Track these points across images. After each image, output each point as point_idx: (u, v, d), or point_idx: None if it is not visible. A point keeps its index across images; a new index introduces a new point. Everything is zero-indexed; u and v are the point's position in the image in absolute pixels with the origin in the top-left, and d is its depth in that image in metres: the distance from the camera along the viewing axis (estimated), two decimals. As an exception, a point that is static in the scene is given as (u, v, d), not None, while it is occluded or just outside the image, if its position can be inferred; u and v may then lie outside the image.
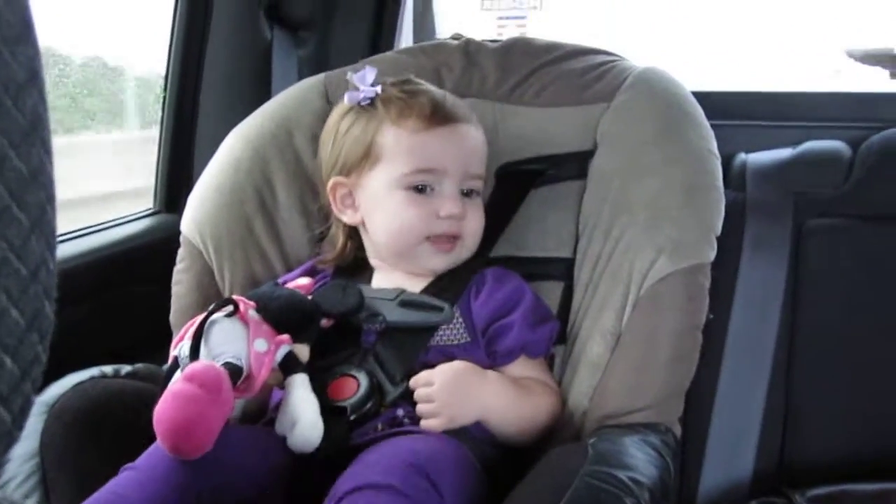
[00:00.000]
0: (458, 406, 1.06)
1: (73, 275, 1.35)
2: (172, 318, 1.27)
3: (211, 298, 1.28)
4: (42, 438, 1.00)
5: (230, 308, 1.04)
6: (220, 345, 0.99)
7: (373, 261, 1.23)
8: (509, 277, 1.19)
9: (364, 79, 1.19)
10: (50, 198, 0.39)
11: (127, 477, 0.92)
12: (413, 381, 1.08)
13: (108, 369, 1.13)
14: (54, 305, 0.40)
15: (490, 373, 1.10)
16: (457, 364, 1.08)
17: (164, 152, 1.59)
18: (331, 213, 1.24)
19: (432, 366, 1.10)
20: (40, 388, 1.07)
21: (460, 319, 1.15)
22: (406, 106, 1.16)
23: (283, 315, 1.06)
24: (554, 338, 1.18)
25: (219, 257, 1.29)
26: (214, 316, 1.03)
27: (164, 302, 1.29)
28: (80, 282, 1.36)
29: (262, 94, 1.53)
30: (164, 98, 1.58)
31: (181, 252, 1.31)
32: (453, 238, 1.16)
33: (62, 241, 1.41)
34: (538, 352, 1.16)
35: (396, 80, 1.21)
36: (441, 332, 1.14)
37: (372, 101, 1.18)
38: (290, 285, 1.16)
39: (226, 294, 1.28)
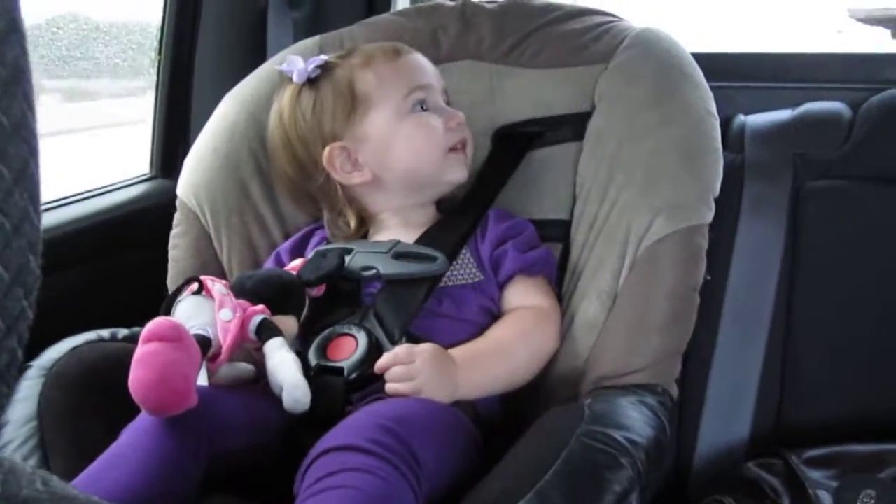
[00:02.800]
0: (438, 385, 1.03)
1: (69, 239, 1.35)
2: (170, 282, 1.27)
3: (208, 262, 1.28)
4: (39, 401, 1.00)
5: (196, 287, 1.04)
6: (187, 320, 0.99)
7: (381, 214, 1.22)
8: (510, 216, 1.23)
9: (294, 63, 1.21)
10: (33, 151, 0.39)
11: (126, 438, 0.92)
12: (392, 357, 1.03)
13: (105, 333, 1.13)
14: (40, 260, 0.40)
15: (458, 354, 1.08)
16: (433, 346, 1.05)
17: (159, 117, 1.58)
18: (326, 194, 1.22)
19: (443, 317, 1.11)
20: (37, 353, 1.07)
21: (471, 259, 1.17)
22: (365, 52, 1.22)
23: (259, 290, 1.06)
24: (552, 260, 1.19)
25: (216, 221, 1.28)
26: (181, 296, 1.04)
27: (161, 266, 1.29)
28: (77, 246, 1.36)
29: (258, 56, 1.51)
30: (159, 62, 1.56)
31: (177, 216, 1.30)
32: (464, 144, 1.21)
33: (59, 206, 1.40)
34: (535, 270, 1.17)
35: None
36: (453, 273, 1.15)
37: (325, 67, 1.19)
38: (287, 268, 1.15)
39: (223, 259, 1.28)
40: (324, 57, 1.21)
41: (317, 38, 1.38)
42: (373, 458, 0.84)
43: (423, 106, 1.18)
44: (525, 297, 1.16)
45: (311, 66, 1.19)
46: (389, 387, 1.02)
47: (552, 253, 1.21)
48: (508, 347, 1.12)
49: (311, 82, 1.20)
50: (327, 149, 1.18)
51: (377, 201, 1.22)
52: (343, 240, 1.22)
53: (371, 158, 1.18)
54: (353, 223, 1.22)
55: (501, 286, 1.16)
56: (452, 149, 1.19)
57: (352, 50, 1.24)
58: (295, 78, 1.20)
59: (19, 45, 0.38)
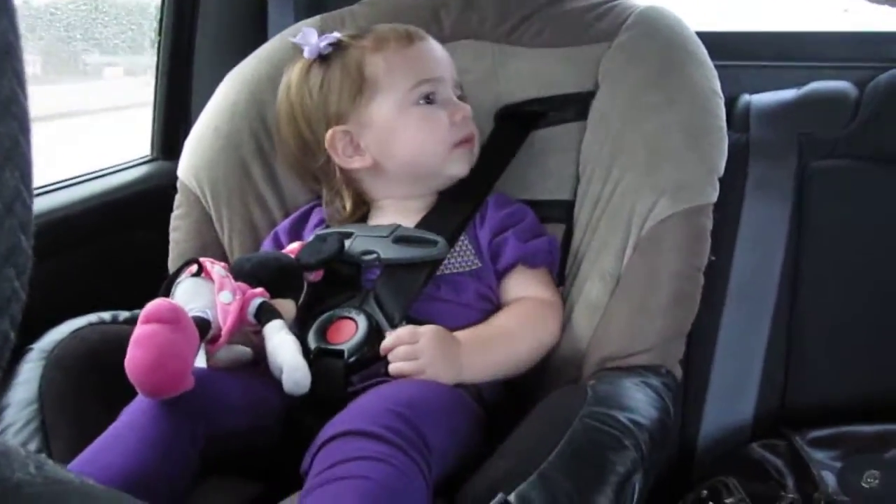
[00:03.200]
0: (442, 365, 1.03)
1: (71, 222, 1.34)
2: (171, 264, 1.27)
3: (209, 244, 1.28)
4: (41, 384, 1.00)
5: (195, 268, 1.04)
6: (186, 302, 0.98)
7: (380, 201, 1.22)
8: (510, 202, 1.21)
9: (308, 37, 1.19)
10: (24, 129, 0.38)
11: (123, 420, 0.92)
12: (395, 338, 1.04)
13: (106, 315, 1.13)
14: (32, 241, 0.39)
15: (462, 337, 1.08)
16: (436, 327, 1.05)
17: (160, 98, 1.57)
18: (326, 174, 1.22)
19: (442, 301, 1.10)
20: (37, 335, 1.07)
21: (469, 246, 1.16)
22: (378, 34, 1.19)
23: (258, 272, 1.06)
24: (554, 250, 1.18)
25: (216, 203, 1.28)
26: (181, 277, 1.03)
27: (162, 248, 1.29)
28: (78, 229, 1.35)
29: (259, 36, 1.50)
30: (159, 42, 1.55)
31: (178, 198, 1.30)
32: (470, 140, 1.19)
33: (60, 188, 1.40)
34: (536, 261, 1.16)
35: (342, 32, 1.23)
36: (451, 261, 1.14)
37: (335, 47, 1.18)
38: (286, 251, 1.15)
39: (224, 240, 1.28)
40: (337, 35, 1.19)
41: (318, 17, 1.37)
42: (385, 445, 0.84)
43: (429, 98, 1.16)
44: (527, 289, 1.15)
45: (323, 43, 1.18)
46: (393, 367, 1.02)
47: (555, 241, 1.20)
48: (512, 334, 1.11)
49: (322, 59, 1.18)
50: (330, 131, 1.17)
51: (377, 187, 1.21)
52: (338, 222, 1.21)
53: (373, 144, 1.17)
54: (348, 206, 1.21)
55: (501, 275, 1.16)
56: (457, 144, 1.18)
57: (367, 30, 1.22)
58: (306, 53, 1.19)
59: (8, 20, 0.37)
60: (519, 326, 1.12)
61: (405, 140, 1.16)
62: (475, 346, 1.08)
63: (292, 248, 1.15)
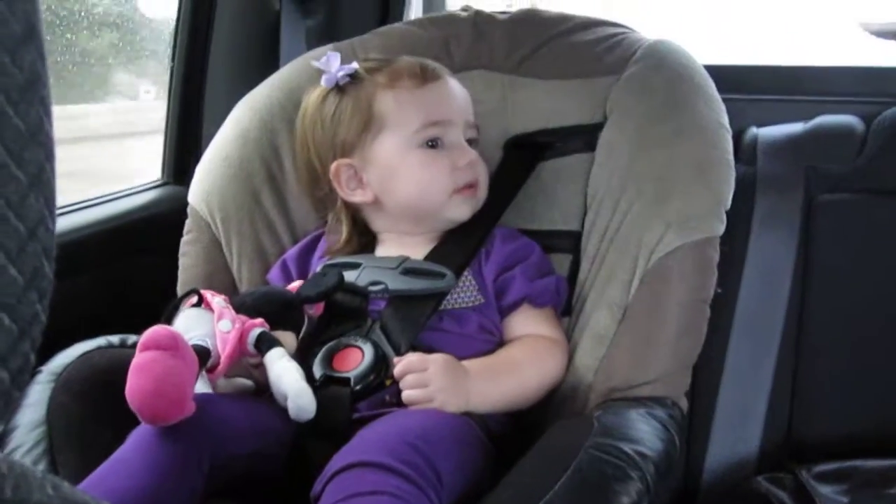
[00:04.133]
0: (451, 393, 1.03)
1: (80, 245, 1.35)
2: (180, 289, 1.27)
3: (218, 270, 1.28)
4: (49, 407, 1.01)
5: (195, 299, 1.05)
6: (186, 331, 0.99)
7: (382, 234, 1.22)
8: (517, 237, 1.21)
9: (330, 63, 1.19)
10: (49, 156, 0.39)
11: (129, 444, 0.92)
12: (405, 365, 1.04)
13: (114, 339, 1.13)
14: (53, 265, 0.40)
15: (471, 366, 1.08)
16: (445, 355, 1.06)
17: (171, 123, 1.59)
18: (332, 203, 1.23)
19: (446, 332, 1.10)
20: (46, 358, 1.07)
21: (473, 282, 1.16)
22: (394, 69, 1.18)
23: (259, 305, 1.07)
24: (562, 290, 1.18)
25: (226, 229, 1.28)
26: (181, 308, 1.04)
27: (171, 273, 1.29)
28: (87, 252, 1.36)
29: (271, 64, 1.52)
30: (172, 68, 1.57)
31: (188, 223, 1.31)
32: (473, 186, 1.18)
33: (70, 212, 1.41)
34: (542, 301, 1.16)
35: (366, 57, 1.25)
36: (454, 296, 1.14)
37: (352, 77, 1.18)
38: (289, 287, 1.16)
39: (233, 266, 1.28)
40: (355, 65, 1.19)
41: (329, 46, 1.39)
42: (399, 480, 0.85)
43: (435, 142, 1.16)
44: (532, 327, 1.16)
45: (340, 73, 1.19)
46: (405, 395, 1.03)
47: (562, 281, 1.19)
48: (520, 366, 1.12)
49: (339, 89, 1.19)
50: (335, 164, 1.18)
51: (378, 221, 1.22)
52: (335, 252, 1.22)
53: (375, 181, 1.18)
54: (343, 237, 1.22)
55: (506, 311, 1.16)
56: (458, 190, 1.17)
57: (386, 62, 1.21)
58: (324, 82, 1.20)
59: (37, 49, 0.38)
60: (526, 359, 1.12)
61: (405, 182, 1.16)
62: (483, 376, 1.08)
63: (294, 285, 1.16)
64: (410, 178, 1.16)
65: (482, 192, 1.20)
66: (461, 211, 1.18)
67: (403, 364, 1.04)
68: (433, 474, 0.87)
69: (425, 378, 1.03)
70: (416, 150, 1.16)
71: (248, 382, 1.09)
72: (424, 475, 0.86)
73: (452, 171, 1.16)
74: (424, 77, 1.18)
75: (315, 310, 1.13)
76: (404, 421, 0.96)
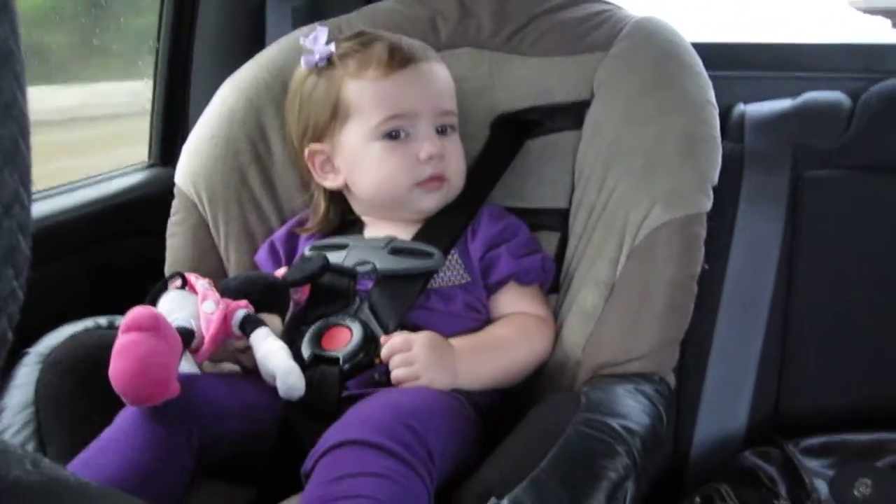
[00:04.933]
0: (437, 370, 1.04)
1: (68, 227, 1.35)
2: (167, 270, 1.27)
3: (206, 250, 1.28)
4: (37, 388, 1.01)
5: (179, 282, 1.05)
6: (170, 313, 1.00)
7: (364, 217, 1.22)
8: (504, 215, 1.20)
9: (316, 40, 1.18)
10: (23, 132, 0.39)
11: (117, 424, 0.92)
12: (389, 346, 1.04)
13: (102, 320, 1.13)
14: (30, 241, 0.40)
15: (458, 343, 1.09)
16: (430, 333, 1.06)
17: (157, 104, 1.58)
18: (310, 182, 1.24)
19: (433, 311, 1.11)
20: (34, 340, 1.07)
21: (459, 261, 1.16)
22: (363, 57, 1.16)
23: (244, 288, 1.07)
24: (548, 268, 1.18)
25: (213, 209, 1.28)
26: (165, 291, 1.05)
27: (159, 254, 1.29)
28: (75, 234, 1.36)
29: (256, 44, 1.51)
30: (157, 49, 1.56)
31: (175, 204, 1.30)
32: (439, 178, 1.16)
33: (58, 194, 1.40)
34: (528, 278, 1.16)
35: (350, 35, 1.22)
36: (441, 275, 1.14)
37: (329, 61, 1.17)
38: (277, 273, 1.16)
39: (221, 246, 1.28)
40: (331, 49, 1.18)
41: (315, 25, 1.38)
42: (392, 460, 0.85)
43: (397, 133, 1.14)
44: (518, 305, 1.16)
45: (317, 57, 1.18)
46: (394, 375, 1.03)
47: (549, 259, 1.20)
48: (507, 343, 1.12)
49: (317, 71, 1.19)
50: (308, 148, 1.19)
51: (356, 205, 1.23)
52: (314, 231, 1.22)
53: (344, 168, 1.18)
54: (318, 218, 1.23)
55: (492, 289, 1.16)
56: (420, 183, 1.15)
57: (360, 46, 1.18)
58: (303, 64, 1.19)
59: (9, 24, 0.38)
60: (514, 336, 1.13)
61: (366, 173, 1.16)
62: (470, 353, 1.08)
63: (281, 271, 1.16)
64: (370, 171, 1.15)
65: (454, 182, 1.18)
66: (426, 203, 1.17)
67: (388, 346, 1.05)
68: (425, 452, 0.87)
69: (411, 357, 1.03)
70: (376, 142, 1.14)
71: (235, 367, 1.10)
72: (416, 454, 0.87)
73: (414, 165, 1.14)
74: (391, 65, 1.15)
75: (300, 294, 1.13)
76: (396, 398, 0.96)
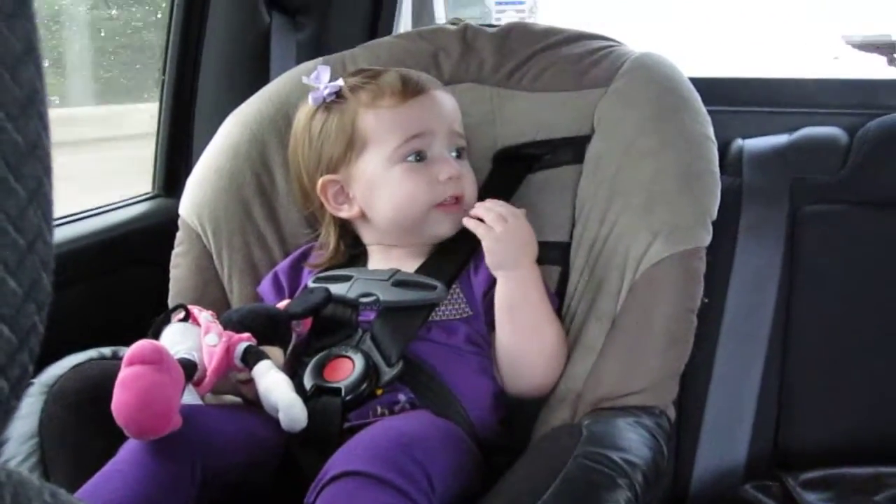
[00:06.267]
0: (510, 245, 1.12)
1: (72, 257, 1.36)
2: (171, 301, 1.28)
3: (209, 282, 1.29)
4: (41, 418, 1.01)
5: (182, 314, 1.06)
6: (173, 345, 1.00)
7: (371, 247, 1.23)
8: None
9: (319, 78, 1.21)
10: (47, 170, 0.40)
11: (122, 455, 0.93)
12: (496, 202, 1.14)
13: (106, 351, 1.13)
14: (52, 277, 0.40)
15: (533, 269, 1.14)
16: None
17: (162, 136, 1.59)
18: (322, 216, 1.25)
19: (434, 343, 1.11)
20: (38, 370, 1.08)
21: (461, 294, 1.17)
22: (375, 88, 1.19)
23: (246, 321, 1.08)
24: (552, 303, 1.18)
25: (217, 241, 1.29)
26: (168, 323, 1.05)
27: (163, 285, 1.30)
28: (79, 264, 1.37)
29: (261, 78, 1.53)
30: (163, 82, 1.58)
31: (179, 235, 1.31)
32: (457, 200, 1.18)
33: (62, 224, 1.41)
34: None
35: (354, 71, 1.26)
36: (442, 308, 1.15)
37: (337, 95, 1.19)
38: (280, 305, 1.16)
39: (224, 278, 1.29)
40: (340, 83, 1.20)
41: (319, 60, 1.40)
42: (393, 495, 0.85)
43: (420, 155, 1.17)
44: None
45: (326, 91, 1.20)
46: (476, 210, 1.14)
47: (551, 295, 1.20)
48: (550, 316, 1.14)
49: (326, 106, 1.20)
50: (321, 180, 1.20)
51: (367, 234, 1.24)
52: (324, 266, 1.23)
53: (360, 196, 1.19)
54: (329, 252, 1.23)
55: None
56: (440, 204, 1.17)
57: (369, 79, 1.21)
58: (311, 101, 1.21)
59: (35, 65, 0.39)
60: (550, 318, 1.14)
61: (386, 197, 1.17)
62: (533, 282, 1.13)
63: (283, 304, 1.17)
64: (391, 194, 1.17)
65: (468, 205, 1.19)
66: (443, 227, 1.19)
67: (497, 202, 1.15)
68: (425, 480, 0.87)
69: (508, 215, 1.12)
70: (396, 165, 1.16)
71: (236, 399, 1.10)
72: (417, 483, 0.87)
73: (433, 185, 1.16)
74: (405, 93, 1.18)
75: (302, 327, 1.14)
76: (397, 425, 0.97)
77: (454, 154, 1.20)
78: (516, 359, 1.12)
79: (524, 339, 1.12)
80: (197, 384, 1.00)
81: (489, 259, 1.13)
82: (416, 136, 1.16)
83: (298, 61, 1.55)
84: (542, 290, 1.15)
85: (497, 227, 1.12)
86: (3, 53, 0.37)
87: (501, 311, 1.13)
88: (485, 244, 1.12)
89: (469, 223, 1.14)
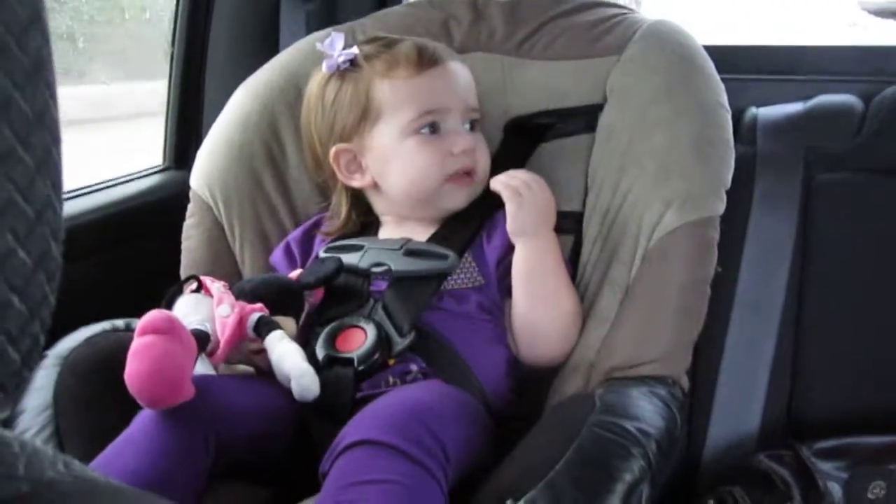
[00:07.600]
0: (532, 212, 1.12)
1: (84, 230, 1.36)
2: (183, 272, 1.28)
3: (221, 253, 1.29)
4: (55, 390, 1.02)
5: (195, 285, 1.06)
6: (185, 316, 1.01)
7: (383, 217, 1.23)
8: None
9: (333, 45, 1.20)
10: (55, 140, 0.39)
11: (135, 425, 0.93)
12: (518, 172, 1.15)
13: (119, 323, 1.14)
14: (62, 247, 0.40)
15: (552, 237, 1.15)
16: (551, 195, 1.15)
17: (172, 108, 1.59)
18: (333, 185, 1.24)
19: (446, 312, 1.11)
20: (52, 343, 1.08)
21: (473, 263, 1.16)
22: (391, 57, 1.17)
23: (258, 291, 1.08)
24: (566, 263, 1.19)
25: (228, 212, 1.29)
26: (181, 294, 1.06)
27: (174, 257, 1.30)
28: (91, 237, 1.37)
29: (271, 48, 1.52)
30: (172, 53, 1.57)
31: (191, 207, 1.31)
32: (470, 173, 1.18)
33: (74, 197, 1.41)
34: None
35: (369, 38, 1.24)
36: (455, 277, 1.15)
37: (352, 63, 1.18)
38: (292, 275, 1.16)
39: (236, 249, 1.29)
40: (355, 50, 1.19)
41: (329, 30, 1.39)
42: (407, 464, 0.85)
43: (432, 128, 1.16)
44: None
45: (341, 59, 1.19)
46: (501, 176, 1.14)
47: (567, 263, 1.20)
48: (568, 284, 1.15)
49: (340, 74, 1.19)
50: (334, 148, 1.19)
51: (379, 204, 1.23)
52: (334, 234, 1.23)
53: (373, 166, 1.19)
54: (340, 221, 1.23)
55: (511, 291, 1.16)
56: (450, 177, 1.17)
57: (384, 47, 1.19)
58: (325, 67, 1.20)
59: (42, 34, 0.39)
60: (568, 286, 1.15)
61: (399, 169, 1.17)
62: (551, 250, 1.14)
63: (294, 273, 1.17)
64: (403, 166, 1.16)
65: (481, 178, 1.19)
66: (455, 199, 1.19)
67: (520, 172, 1.16)
68: (439, 449, 0.87)
69: (531, 183, 1.13)
70: (410, 137, 1.16)
71: (249, 369, 1.10)
72: (432, 453, 0.87)
73: (446, 158, 1.16)
74: (421, 64, 1.17)
75: (314, 297, 1.14)
76: (412, 395, 0.97)
77: (467, 126, 1.19)
78: (532, 327, 1.12)
79: (540, 307, 1.12)
80: (210, 355, 1.01)
81: (510, 225, 1.12)
82: (432, 111, 1.16)
83: (308, 30, 1.55)
84: (560, 259, 1.15)
85: (523, 192, 1.12)
86: (8, 21, 0.36)
87: (518, 279, 1.13)
88: (509, 208, 1.12)
89: (497, 185, 1.14)
